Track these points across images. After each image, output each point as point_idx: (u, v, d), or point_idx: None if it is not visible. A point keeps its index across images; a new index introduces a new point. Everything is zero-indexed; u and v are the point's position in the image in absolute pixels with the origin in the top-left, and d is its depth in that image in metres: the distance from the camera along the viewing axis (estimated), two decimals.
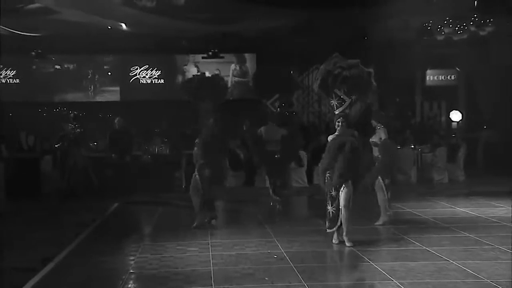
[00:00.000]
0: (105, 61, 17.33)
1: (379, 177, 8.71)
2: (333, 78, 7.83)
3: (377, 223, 8.83)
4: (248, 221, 9.53)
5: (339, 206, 7.35)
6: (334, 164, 7.39)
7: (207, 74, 11.87)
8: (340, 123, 7.54)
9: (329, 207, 7.50)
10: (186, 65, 17.32)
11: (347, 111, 7.74)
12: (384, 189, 8.77)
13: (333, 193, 7.42)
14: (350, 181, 7.35)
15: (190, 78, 11.29)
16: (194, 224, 9.04)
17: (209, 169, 9.03)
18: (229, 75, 17.23)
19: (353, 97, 7.83)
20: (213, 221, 9.16)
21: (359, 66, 8.08)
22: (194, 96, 9.87)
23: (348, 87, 7.79)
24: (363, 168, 7.97)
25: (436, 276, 5.96)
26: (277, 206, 10.33)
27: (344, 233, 7.40)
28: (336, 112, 7.77)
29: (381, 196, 8.71)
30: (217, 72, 15.58)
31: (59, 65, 17.12)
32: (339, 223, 7.44)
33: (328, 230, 7.58)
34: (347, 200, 7.28)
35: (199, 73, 13.41)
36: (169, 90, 17.06)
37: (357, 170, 7.53)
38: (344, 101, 7.78)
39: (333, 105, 7.90)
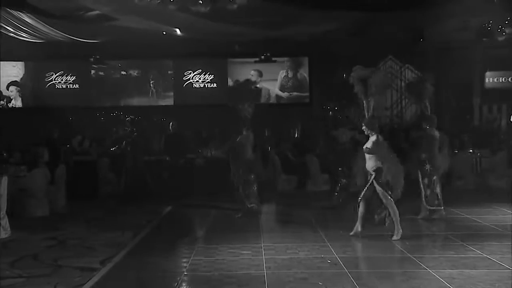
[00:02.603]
0: (160, 66, 17.63)
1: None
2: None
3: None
4: (300, 225, 9.49)
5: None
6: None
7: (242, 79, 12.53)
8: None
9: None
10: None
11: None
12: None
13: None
14: None
15: (232, 85, 11.83)
16: (239, 214, 10.04)
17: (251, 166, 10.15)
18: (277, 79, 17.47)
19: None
20: (254, 206, 10.29)
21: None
22: (231, 100, 10.78)
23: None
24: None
25: (498, 285, 5.83)
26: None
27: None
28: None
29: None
30: (251, 77, 15.86)
31: (116, 70, 17.55)
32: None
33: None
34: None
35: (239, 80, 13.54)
36: (221, 94, 17.11)
37: None
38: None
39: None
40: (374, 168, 8.12)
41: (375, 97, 9.08)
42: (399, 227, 8.11)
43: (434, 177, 9.31)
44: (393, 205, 8.09)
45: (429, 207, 9.34)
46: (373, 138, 8.24)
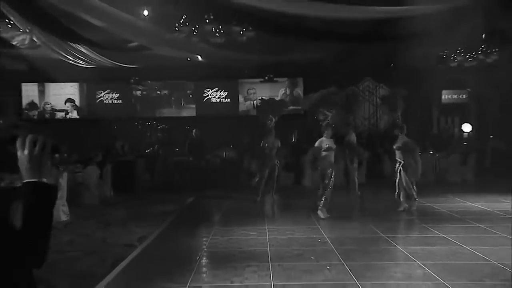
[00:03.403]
0: (185, 85, 17.70)
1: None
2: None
3: None
4: (296, 212, 9.47)
5: None
6: None
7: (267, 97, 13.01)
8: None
9: None
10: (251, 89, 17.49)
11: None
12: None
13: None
14: None
15: (262, 100, 12.03)
16: (258, 198, 10.16)
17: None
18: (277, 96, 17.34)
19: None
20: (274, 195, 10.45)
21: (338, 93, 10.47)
22: (262, 112, 10.94)
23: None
24: None
25: (452, 259, 5.89)
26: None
27: None
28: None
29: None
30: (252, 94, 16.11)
31: (151, 89, 17.62)
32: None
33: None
34: None
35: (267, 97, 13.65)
36: (233, 107, 17.24)
37: None
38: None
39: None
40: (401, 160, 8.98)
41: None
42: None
43: (409, 176, 9.06)
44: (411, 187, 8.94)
45: (407, 201, 9.09)
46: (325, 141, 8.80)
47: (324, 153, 8.76)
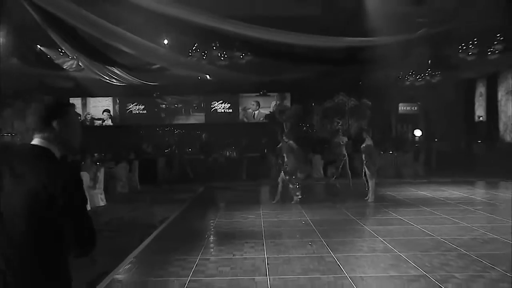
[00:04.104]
0: (196, 98, 17.66)
1: None
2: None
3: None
4: (287, 201, 9.39)
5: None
6: None
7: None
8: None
9: None
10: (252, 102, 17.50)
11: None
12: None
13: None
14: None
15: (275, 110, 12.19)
16: (275, 201, 8.76)
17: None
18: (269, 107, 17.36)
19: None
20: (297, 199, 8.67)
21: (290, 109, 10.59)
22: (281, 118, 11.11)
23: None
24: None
25: (405, 235, 5.95)
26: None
27: None
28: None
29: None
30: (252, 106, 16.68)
31: (169, 101, 17.59)
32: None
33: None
34: None
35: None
36: (235, 116, 17.17)
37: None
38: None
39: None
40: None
41: (290, 120, 10.70)
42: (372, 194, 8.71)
43: (372, 171, 8.81)
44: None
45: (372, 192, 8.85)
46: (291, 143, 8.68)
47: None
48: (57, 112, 1.66)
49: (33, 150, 1.61)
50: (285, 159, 8.68)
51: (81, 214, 1.56)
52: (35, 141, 1.63)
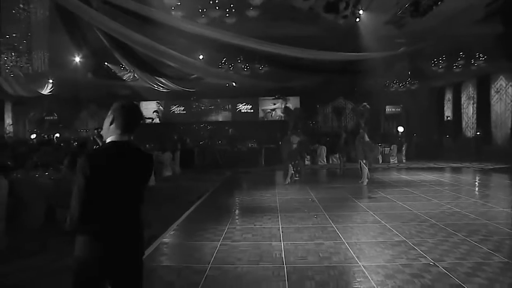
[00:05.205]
0: (224, 101, 17.74)
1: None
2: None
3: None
4: (295, 182, 9.21)
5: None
6: None
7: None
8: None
9: None
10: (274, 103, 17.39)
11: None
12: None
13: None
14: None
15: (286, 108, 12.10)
16: (287, 182, 8.61)
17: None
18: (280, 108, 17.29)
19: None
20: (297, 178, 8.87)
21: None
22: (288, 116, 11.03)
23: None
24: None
25: (391, 210, 5.86)
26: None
27: None
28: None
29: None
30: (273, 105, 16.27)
31: (204, 103, 17.69)
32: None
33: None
34: None
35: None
36: (255, 115, 17.23)
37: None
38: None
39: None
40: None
41: (293, 120, 10.75)
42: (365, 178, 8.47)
43: (368, 159, 8.66)
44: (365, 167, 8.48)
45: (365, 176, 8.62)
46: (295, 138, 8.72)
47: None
48: (141, 117, 1.94)
49: (132, 144, 1.85)
50: (293, 148, 8.82)
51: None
52: (124, 137, 1.83)
